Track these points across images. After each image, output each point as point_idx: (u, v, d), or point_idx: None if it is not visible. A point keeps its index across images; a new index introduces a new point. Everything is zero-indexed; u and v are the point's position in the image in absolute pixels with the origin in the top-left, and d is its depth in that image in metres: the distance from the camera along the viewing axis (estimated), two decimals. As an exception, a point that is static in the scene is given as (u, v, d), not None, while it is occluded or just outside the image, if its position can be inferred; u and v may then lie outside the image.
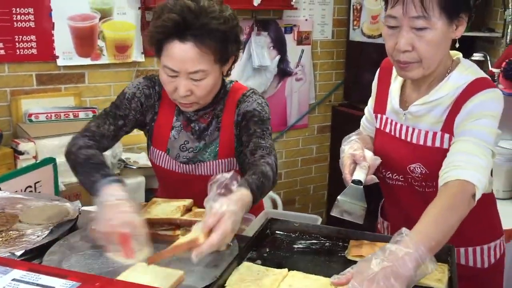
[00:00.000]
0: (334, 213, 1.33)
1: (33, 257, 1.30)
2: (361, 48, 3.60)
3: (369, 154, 1.39)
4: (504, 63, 2.38)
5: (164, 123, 1.62)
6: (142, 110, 1.61)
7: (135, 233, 1.18)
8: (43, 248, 1.32)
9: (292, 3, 3.41)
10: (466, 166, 1.18)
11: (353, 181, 1.32)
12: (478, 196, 1.18)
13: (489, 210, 1.49)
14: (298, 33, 3.65)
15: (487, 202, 1.46)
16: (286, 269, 1.21)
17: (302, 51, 3.70)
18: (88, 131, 1.52)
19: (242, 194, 1.22)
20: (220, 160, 1.60)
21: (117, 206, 1.22)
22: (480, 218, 1.43)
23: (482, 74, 1.34)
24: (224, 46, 1.43)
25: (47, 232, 1.38)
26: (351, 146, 1.40)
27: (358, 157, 1.36)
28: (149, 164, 2.90)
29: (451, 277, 1.18)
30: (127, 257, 1.16)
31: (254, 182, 1.30)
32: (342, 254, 1.31)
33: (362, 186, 1.32)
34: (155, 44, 1.44)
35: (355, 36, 3.64)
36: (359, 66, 3.65)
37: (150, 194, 2.94)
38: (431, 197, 1.25)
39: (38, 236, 1.36)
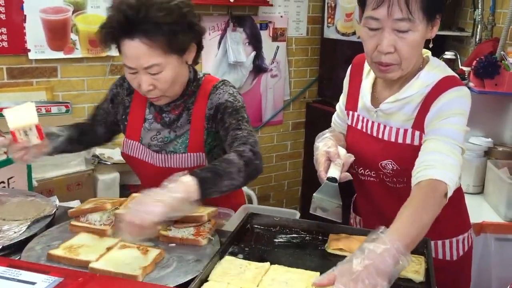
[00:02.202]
0: (312, 211, 1.35)
1: (10, 254, 1.28)
2: (335, 45, 3.63)
3: (343, 151, 1.41)
4: (475, 61, 2.44)
5: (136, 115, 1.66)
6: (110, 110, 1.71)
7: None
8: (21, 244, 1.30)
9: (268, -1, 3.43)
10: (438, 165, 1.21)
11: (328, 179, 1.34)
12: (449, 194, 1.21)
13: (458, 204, 1.53)
14: (273, 29, 3.67)
15: (456, 196, 1.49)
16: (268, 263, 1.22)
17: (277, 47, 3.72)
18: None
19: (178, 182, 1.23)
20: (190, 154, 1.59)
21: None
22: (448, 212, 1.46)
23: (450, 72, 1.37)
24: (173, 38, 1.41)
25: (24, 228, 1.36)
26: (325, 144, 1.41)
27: (332, 154, 1.37)
28: (124, 159, 2.92)
29: (428, 268, 1.21)
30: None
31: (204, 169, 1.30)
32: (322, 248, 1.33)
33: (337, 184, 1.33)
34: (109, 44, 1.45)
35: (329, 33, 3.67)
36: (333, 63, 3.69)
37: (124, 190, 2.91)
38: (402, 192, 1.28)
39: (15, 232, 1.34)
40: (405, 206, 1.16)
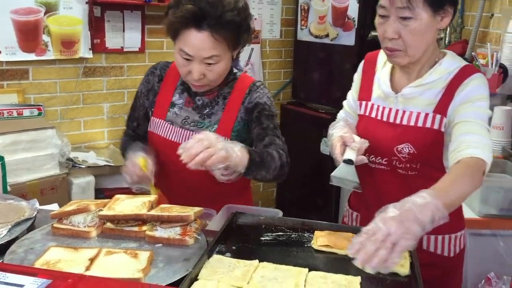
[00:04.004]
0: (331, 182, 1.41)
1: (-9, 258, 1.24)
2: (309, 47, 3.67)
3: (357, 137, 1.47)
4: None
5: (164, 98, 1.70)
6: (148, 101, 1.74)
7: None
8: (2, 247, 1.26)
9: (242, 1, 3.43)
10: (475, 145, 1.28)
11: (344, 161, 1.38)
12: (487, 172, 1.27)
13: None
14: (247, 31, 3.68)
15: None
16: (257, 260, 1.22)
17: (252, 49, 3.73)
18: (127, 134, 1.81)
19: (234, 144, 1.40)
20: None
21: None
22: None
23: (467, 62, 1.47)
24: (238, 35, 1.52)
25: (5, 231, 1.32)
26: (340, 129, 1.48)
27: (347, 139, 1.43)
28: (98, 163, 2.88)
29: (413, 262, 1.24)
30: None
31: (255, 152, 1.45)
32: (309, 245, 1.35)
33: (353, 165, 1.38)
34: (172, 31, 1.52)
35: (303, 35, 3.71)
36: (306, 65, 3.73)
37: (99, 193, 2.86)
38: (412, 182, 1.32)
39: (-4, 236, 1.30)
40: (447, 174, 1.23)
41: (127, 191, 1.60)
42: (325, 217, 1.70)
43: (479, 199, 2.08)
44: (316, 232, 1.38)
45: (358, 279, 1.16)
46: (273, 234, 1.41)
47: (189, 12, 1.45)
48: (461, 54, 2.66)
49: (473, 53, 2.52)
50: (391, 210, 1.06)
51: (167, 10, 1.53)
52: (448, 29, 3.08)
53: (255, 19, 3.68)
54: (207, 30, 1.46)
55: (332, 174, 1.39)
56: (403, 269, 1.22)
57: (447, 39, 3.08)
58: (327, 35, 3.48)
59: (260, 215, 1.48)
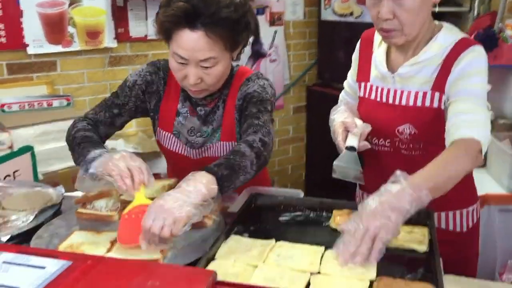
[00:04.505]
0: (334, 175, 1.38)
1: (19, 243, 1.29)
2: (333, 27, 3.62)
3: (359, 122, 1.44)
4: (473, 35, 2.44)
5: (169, 106, 1.61)
6: (144, 98, 1.61)
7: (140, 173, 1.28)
8: (29, 233, 1.31)
9: (263, -17, 3.41)
10: (469, 124, 1.25)
11: (347, 148, 1.36)
12: (484, 150, 1.25)
13: (466, 176, 1.54)
14: (270, 14, 3.65)
15: None
16: (274, 240, 1.23)
17: (275, 32, 3.71)
18: (86, 117, 1.57)
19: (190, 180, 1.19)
20: (223, 142, 1.58)
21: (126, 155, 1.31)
22: (459, 183, 1.48)
23: (465, 34, 1.41)
24: (235, 34, 1.40)
25: (32, 217, 1.38)
26: (341, 115, 1.45)
27: (349, 124, 1.40)
28: (127, 150, 2.93)
29: (431, 239, 1.23)
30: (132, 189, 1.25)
31: (221, 165, 1.25)
32: (327, 224, 1.35)
33: (356, 152, 1.36)
34: (164, 32, 1.41)
35: (327, 15, 3.66)
36: (331, 45, 3.68)
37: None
38: (417, 161, 1.29)
39: (23, 222, 1.36)
40: (435, 158, 1.21)
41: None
42: (353, 199, 1.68)
43: (508, 175, 2.03)
44: (334, 211, 1.38)
45: (375, 257, 1.16)
46: (292, 214, 1.41)
47: (180, 10, 1.34)
48: (490, 26, 2.58)
49: (499, 24, 2.43)
50: (369, 203, 1.08)
51: (158, 10, 1.42)
52: (477, 0, 2.98)
53: (277, 0, 3.65)
54: (201, 29, 1.34)
55: (335, 162, 1.36)
56: (422, 246, 1.21)
57: (475, 11, 2.99)
58: (351, 14, 3.42)
59: (279, 195, 1.49)
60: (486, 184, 2.18)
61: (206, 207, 1.18)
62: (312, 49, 3.93)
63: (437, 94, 1.37)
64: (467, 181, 1.54)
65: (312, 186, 4.01)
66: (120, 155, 1.30)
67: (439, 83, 1.37)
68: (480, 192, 2.04)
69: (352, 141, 1.38)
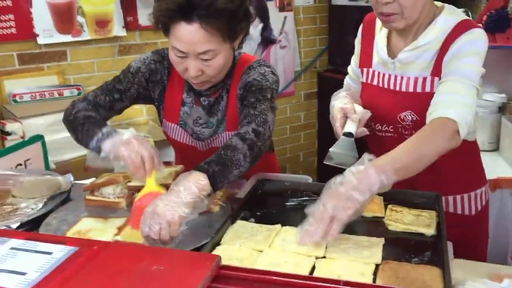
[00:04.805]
0: (326, 161, 1.35)
1: (28, 230, 1.31)
2: (344, 11, 3.58)
3: (359, 108, 1.42)
4: (485, 16, 2.39)
5: (174, 97, 1.60)
6: (147, 86, 1.60)
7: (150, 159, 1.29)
8: (38, 220, 1.33)
9: (272, -31, 3.38)
10: (450, 104, 1.22)
11: (344, 134, 1.35)
12: (463, 132, 1.22)
13: (473, 158, 1.53)
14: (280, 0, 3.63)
15: (471, 150, 1.49)
16: (279, 225, 1.23)
17: (285, 18, 3.68)
18: (86, 99, 1.57)
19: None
20: (228, 133, 1.57)
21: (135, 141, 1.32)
22: (465, 166, 1.47)
23: (466, 17, 1.37)
24: (233, 25, 1.37)
25: (41, 204, 1.39)
26: (341, 101, 1.42)
27: (348, 110, 1.38)
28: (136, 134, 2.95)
29: (439, 223, 1.21)
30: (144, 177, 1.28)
31: (212, 162, 1.25)
32: (333, 208, 1.34)
33: (353, 138, 1.34)
34: (161, 26, 1.39)
35: None
36: (342, 30, 3.64)
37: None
38: None
39: (32, 209, 1.37)
40: (409, 137, 1.20)
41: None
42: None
43: (521, 158, 2.00)
44: (341, 196, 1.37)
45: (381, 240, 1.15)
46: (298, 199, 1.41)
47: (174, 4, 1.31)
48: (503, 7, 2.52)
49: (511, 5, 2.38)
50: (331, 185, 1.11)
51: (154, 5, 1.39)
52: (490, -19, 2.92)
53: (287, -14, 3.61)
54: (197, 21, 1.31)
55: (331, 149, 1.34)
56: (429, 229, 1.20)
57: (489, -9, 2.92)
58: (362, -2, 3.38)
59: (286, 181, 1.48)
60: (498, 167, 2.15)
61: (200, 204, 1.18)
62: (322, 35, 3.89)
63: (436, 79, 1.35)
64: (474, 164, 1.53)
65: (324, 173, 4.00)
66: (130, 139, 1.32)
67: (438, 68, 1.34)
68: (492, 175, 2.03)
69: (350, 127, 1.35)
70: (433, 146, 1.18)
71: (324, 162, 1.35)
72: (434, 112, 1.24)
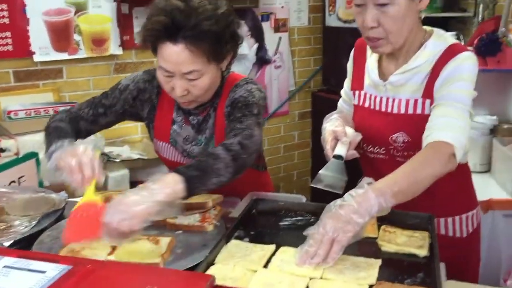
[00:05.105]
0: (314, 184, 1.36)
1: (22, 248, 1.30)
2: (338, 33, 3.63)
3: (350, 130, 1.43)
4: (476, 40, 2.44)
5: (164, 115, 1.62)
6: (134, 103, 1.61)
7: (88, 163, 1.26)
8: (32, 238, 1.32)
9: (268, -10, 3.44)
10: (445, 128, 1.25)
11: (334, 156, 1.35)
12: (459, 155, 1.24)
13: (465, 181, 1.54)
14: (275, 20, 3.67)
15: (463, 173, 1.51)
16: (274, 245, 1.23)
17: (280, 38, 3.72)
18: (68, 110, 1.60)
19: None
20: None
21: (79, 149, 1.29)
22: (457, 188, 1.48)
23: (455, 40, 1.40)
24: (218, 46, 1.39)
25: (34, 222, 1.39)
26: (332, 123, 1.44)
27: (339, 133, 1.39)
28: (132, 157, 2.96)
29: (432, 244, 1.22)
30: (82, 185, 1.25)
31: (191, 166, 1.25)
32: (327, 229, 1.34)
33: (343, 161, 1.35)
34: (150, 45, 1.42)
35: (331, 21, 3.67)
36: (336, 51, 3.68)
37: (134, 186, 2.92)
38: None
39: (26, 227, 1.37)
40: (407, 161, 1.22)
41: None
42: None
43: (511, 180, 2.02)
44: (335, 216, 1.38)
45: (378, 261, 1.15)
46: (292, 219, 1.41)
47: (160, 24, 1.34)
48: (494, 31, 2.57)
49: (502, 29, 2.43)
50: (331, 207, 1.12)
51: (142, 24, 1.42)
52: (481, 5, 2.98)
53: (281, 6, 3.67)
54: (182, 42, 1.33)
55: (321, 171, 1.34)
56: (422, 250, 1.20)
57: (480, 16, 2.98)
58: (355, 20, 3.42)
59: (280, 200, 1.49)
60: (490, 189, 2.17)
61: (172, 206, 1.17)
62: (317, 55, 3.94)
63: (427, 101, 1.37)
64: (466, 186, 1.54)
65: (318, 193, 4.00)
66: (75, 148, 1.30)
67: (429, 90, 1.36)
68: (484, 197, 2.04)
69: (340, 149, 1.36)
70: (430, 170, 1.20)
71: (312, 185, 1.37)
72: (429, 136, 1.26)
